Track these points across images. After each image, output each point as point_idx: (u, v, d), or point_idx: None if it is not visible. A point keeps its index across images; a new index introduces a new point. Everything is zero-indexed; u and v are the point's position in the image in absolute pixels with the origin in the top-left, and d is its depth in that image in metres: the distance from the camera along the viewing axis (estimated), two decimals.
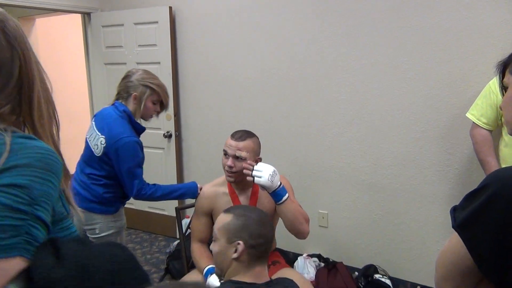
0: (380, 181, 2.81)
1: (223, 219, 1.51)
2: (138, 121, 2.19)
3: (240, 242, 1.42)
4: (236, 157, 2.00)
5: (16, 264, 0.65)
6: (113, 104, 2.19)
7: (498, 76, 1.71)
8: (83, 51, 4.14)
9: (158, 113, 2.25)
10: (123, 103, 2.17)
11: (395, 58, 2.62)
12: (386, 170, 2.77)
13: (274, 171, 1.88)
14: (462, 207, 0.79)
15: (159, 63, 3.55)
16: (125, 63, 3.75)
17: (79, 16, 4.07)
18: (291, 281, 1.57)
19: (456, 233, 0.78)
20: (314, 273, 2.78)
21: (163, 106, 2.24)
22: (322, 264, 2.92)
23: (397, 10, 2.57)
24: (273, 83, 3.13)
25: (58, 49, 5.25)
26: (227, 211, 1.56)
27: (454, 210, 0.81)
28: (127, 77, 2.19)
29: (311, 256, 3.00)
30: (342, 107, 2.87)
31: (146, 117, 2.23)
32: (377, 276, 2.73)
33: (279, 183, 1.91)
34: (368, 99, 2.76)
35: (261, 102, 3.22)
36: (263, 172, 1.84)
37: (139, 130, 2.18)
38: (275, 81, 3.12)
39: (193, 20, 3.45)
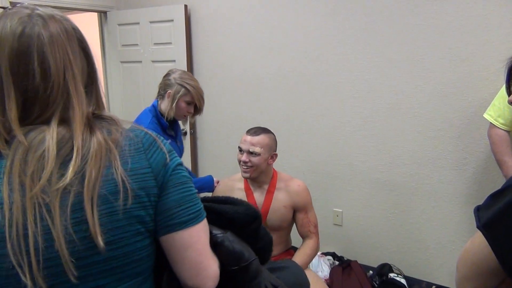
0: (396, 180, 2.79)
1: None
2: (171, 118, 2.24)
3: None
4: (251, 153, 2.03)
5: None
6: None
7: (505, 70, 1.66)
8: (99, 50, 4.18)
9: (191, 114, 2.29)
10: (159, 100, 2.25)
11: (411, 56, 2.60)
12: (402, 169, 2.76)
13: None
14: (486, 206, 0.79)
15: (174, 61, 3.57)
16: (140, 61, 3.78)
17: (95, 14, 4.11)
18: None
19: (479, 233, 0.78)
20: (328, 271, 2.78)
21: (197, 109, 2.28)
22: (337, 263, 2.92)
23: (413, 6, 2.55)
24: (288, 81, 3.14)
25: None
26: None
27: (478, 210, 0.81)
28: (166, 75, 2.26)
29: (325, 254, 3.00)
30: (357, 104, 2.86)
31: (179, 117, 2.27)
32: (391, 275, 2.72)
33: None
34: (384, 97, 2.75)
35: (276, 100, 3.22)
36: None
37: (163, 125, 2.23)
38: (290, 79, 3.12)
39: (208, 18, 3.46)
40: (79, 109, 0.74)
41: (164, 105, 2.22)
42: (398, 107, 2.71)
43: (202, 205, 0.84)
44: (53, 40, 0.73)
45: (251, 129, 2.11)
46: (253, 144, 2.03)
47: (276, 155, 2.13)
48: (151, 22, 3.65)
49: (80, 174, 0.69)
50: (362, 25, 2.75)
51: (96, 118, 0.79)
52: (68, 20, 0.78)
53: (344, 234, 3.07)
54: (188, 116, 2.30)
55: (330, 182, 3.07)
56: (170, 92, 2.19)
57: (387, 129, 2.77)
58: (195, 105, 2.26)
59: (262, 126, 2.19)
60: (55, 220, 0.67)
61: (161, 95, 2.26)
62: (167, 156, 0.80)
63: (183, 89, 2.18)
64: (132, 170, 0.74)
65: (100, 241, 0.68)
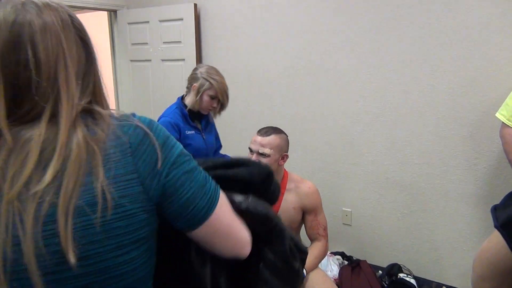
0: (405, 179, 2.78)
1: None
2: (196, 111, 2.35)
3: None
4: (261, 154, 2.01)
5: None
6: None
7: None
8: (109, 48, 4.20)
9: (214, 108, 2.37)
10: (186, 93, 2.36)
11: (422, 54, 2.58)
12: (412, 168, 2.74)
13: None
14: (503, 206, 0.78)
15: (183, 60, 3.58)
16: (150, 60, 3.79)
17: (105, 13, 4.13)
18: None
19: (496, 233, 0.78)
20: (338, 271, 2.77)
21: (220, 104, 2.36)
22: (346, 262, 2.91)
23: (424, 5, 2.53)
24: (298, 80, 3.13)
25: None
26: None
27: (495, 210, 0.80)
28: (194, 69, 2.37)
29: (334, 254, 2.99)
30: (367, 103, 2.84)
31: (202, 110, 2.36)
32: (401, 275, 2.70)
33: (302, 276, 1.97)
34: (394, 96, 2.73)
35: (285, 98, 3.22)
36: None
37: (185, 114, 2.33)
38: (300, 77, 3.12)
39: (218, 17, 3.47)
40: (68, 103, 0.68)
41: (189, 98, 2.33)
42: (408, 106, 2.69)
43: (212, 185, 0.80)
44: (46, 28, 0.68)
45: (262, 129, 2.09)
46: (263, 146, 2.00)
47: (287, 156, 2.11)
48: (160, 21, 3.66)
49: (58, 182, 0.64)
50: (373, 23, 2.73)
51: (84, 113, 0.72)
52: (65, 8, 0.74)
53: (354, 234, 3.06)
54: (212, 111, 2.39)
55: (340, 182, 3.06)
56: (195, 86, 2.28)
57: (397, 128, 2.76)
58: (219, 100, 2.33)
59: (271, 124, 2.18)
60: (26, 231, 0.61)
61: (188, 88, 2.36)
62: (159, 154, 0.73)
63: (207, 83, 2.26)
64: (115, 177, 0.68)
65: (71, 257, 0.62)
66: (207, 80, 2.27)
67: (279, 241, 0.93)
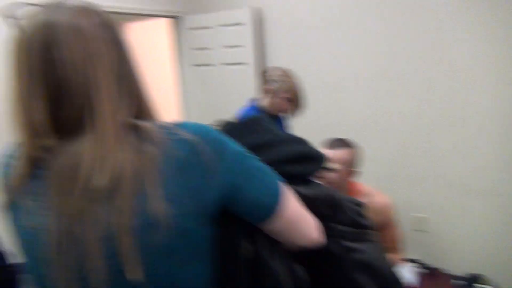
0: (484, 184, 2.61)
1: None
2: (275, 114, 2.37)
3: None
4: (327, 168, 1.89)
5: None
6: None
7: None
8: (170, 55, 4.26)
9: (289, 110, 2.38)
10: (260, 96, 2.40)
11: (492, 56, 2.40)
12: (491, 173, 2.57)
13: None
14: None
15: (246, 64, 3.57)
16: (212, 65, 3.82)
17: (163, 20, 4.19)
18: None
19: None
20: (413, 278, 2.67)
21: (296, 106, 2.37)
22: (422, 270, 2.79)
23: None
24: (364, 84, 3.03)
25: (145, 54, 5.46)
26: None
27: None
28: (265, 72, 2.40)
29: (410, 261, 2.88)
30: (437, 106, 2.71)
31: (276, 112, 2.37)
32: (484, 287, 2.55)
33: None
34: (476, 100, 2.57)
35: (353, 103, 3.13)
36: None
37: None
38: (366, 81, 3.02)
39: (282, 21, 3.42)
40: (109, 115, 0.67)
41: (264, 101, 2.35)
42: (485, 109, 2.52)
43: (274, 178, 0.78)
44: (78, 29, 0.67)
45: (329, 140, 1.94)
46: (330, 160, 1.85)
47: (356, 172, 1.92)
48: (222, 25, 3.66)
49: (112, 201, 0.63)
50: (436, 24, 2.58)
51: (130, 128, 0.69)
52: (100, 10, 0.73)
53: (429, 241, 2.94)
54: (287, 112, 2.39)
55: (414, 187, 2.94)
56: (269, 88, 2.31)
57: (474, 133, 2.60)
58: (293, 102, 2.34)
59: (340, 132, 2.10)
60: (91, 251, 0.63)
61: (261, 90, 2.38)
62: (211, 166, 0.69)
63: (280, 85, 2.28)
64: (168, 196, 0.65)
65: (135, 277, 0.63)
66: (280, 82, 2.28)
67: (343, 211, 0.94)
